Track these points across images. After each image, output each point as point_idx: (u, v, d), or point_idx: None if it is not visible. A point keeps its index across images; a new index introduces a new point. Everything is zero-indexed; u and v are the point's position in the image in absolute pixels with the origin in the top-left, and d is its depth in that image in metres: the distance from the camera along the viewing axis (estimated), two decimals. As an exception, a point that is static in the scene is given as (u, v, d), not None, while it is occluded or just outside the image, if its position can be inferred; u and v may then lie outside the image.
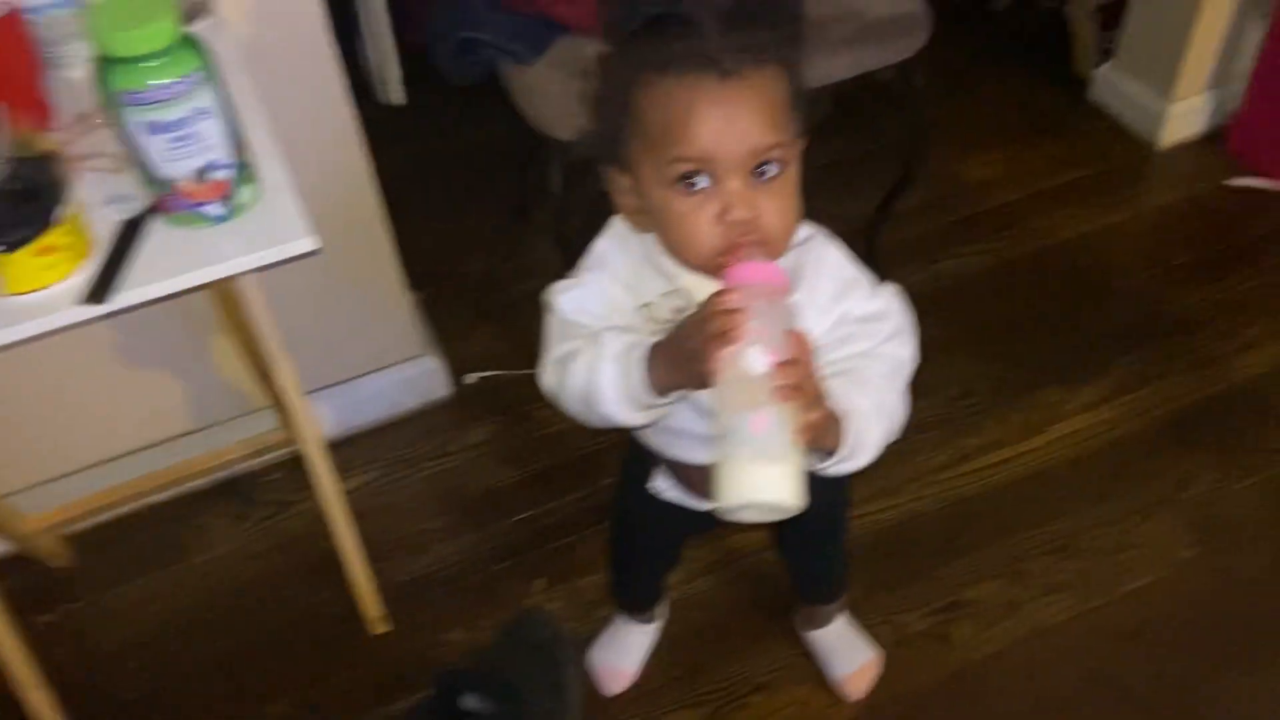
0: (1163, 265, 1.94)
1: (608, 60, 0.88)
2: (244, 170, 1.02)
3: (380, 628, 1.52)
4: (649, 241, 0.90)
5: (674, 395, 0.84)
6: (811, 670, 1.43)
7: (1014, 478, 1.63)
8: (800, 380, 0.76)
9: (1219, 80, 2.11)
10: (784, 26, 0.85)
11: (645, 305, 0.90)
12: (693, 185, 0.82)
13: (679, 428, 0.96)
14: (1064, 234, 2.00)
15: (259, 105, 1.12)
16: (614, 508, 1.31)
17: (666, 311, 0.90)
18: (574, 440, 1.73)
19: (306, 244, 1.01)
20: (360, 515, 1.62)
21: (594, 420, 0.89)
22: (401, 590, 1.56)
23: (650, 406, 0.86)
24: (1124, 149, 2.17)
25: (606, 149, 0.89)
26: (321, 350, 1.67)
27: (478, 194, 2.15)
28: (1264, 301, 1.85)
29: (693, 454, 1.01)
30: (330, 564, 1.48)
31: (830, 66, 1.44)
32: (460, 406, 1.80)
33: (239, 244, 1.01)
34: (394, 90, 1.63)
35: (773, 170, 0.82)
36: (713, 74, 0.80)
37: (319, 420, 1.70)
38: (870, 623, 1.47)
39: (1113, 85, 2.21)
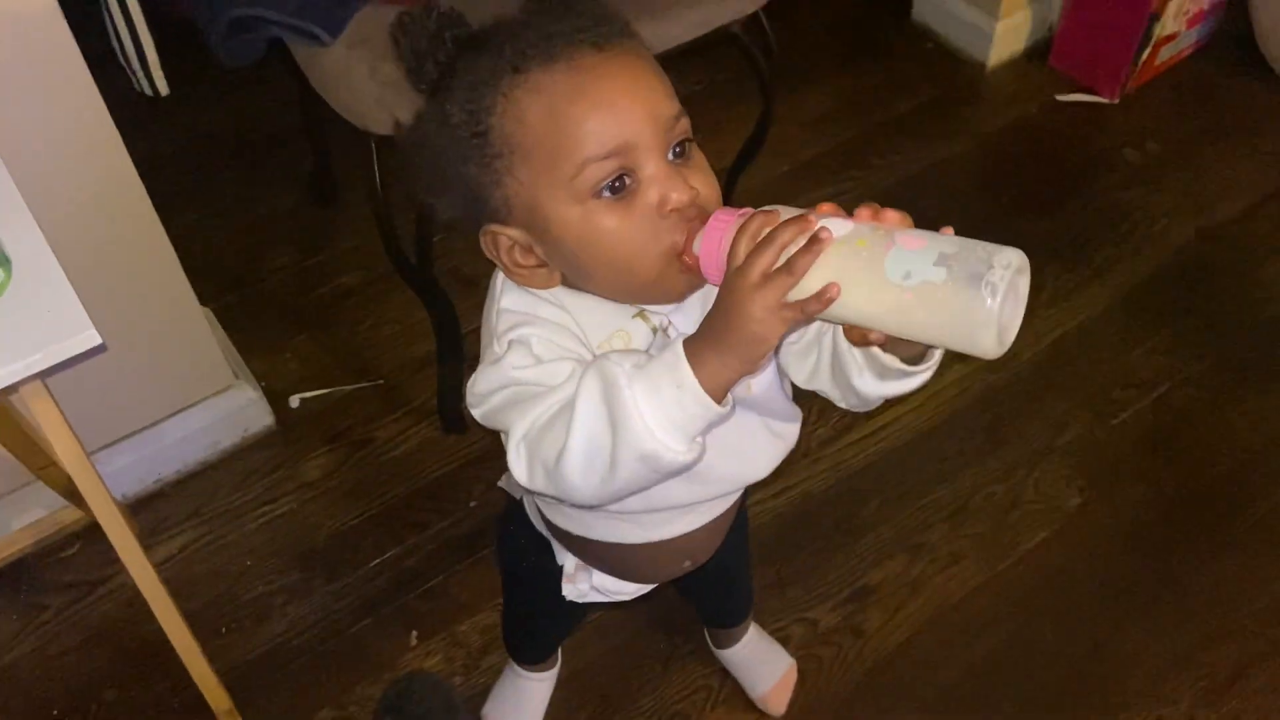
0: (1005, 195, 1.90)
1: (433, 107, 0.69)
2: (-21, 251, 0.76)
3: (232, 721, 1.30)
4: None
5: (730, 400, 0.65)
6: (729, 688, 1.33)
7: (898, 444, 1.57)
8: (874, 207, 0.63)
9: (1038, -6, 2.08)
10: (600, 4, 0.70)
11: (607, 341, 0.72)
12: (617, 188, 0.66)
13: (635, 507, 0.78)
14: (905, 170, 1.93)
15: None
16: (505, 593, 1.14)
17: (643, 337, 0.73)
18: (428, 460, 1.54)
19: (85, 340, 0.77)
20: (185, 585, 1.41)
21: (618, 481, 0.66)
22: (250, 670, 1.35)
23: (708, 424, 0.64)
24: (952, 70, 2.11)
25: (472, 209, 0.71)
26: (111, 395, 1.40)
27: (270, 179, 1.87)
28: (1104, 225, 1.84)
29: (656, 530, 0.85)
30: (159, 648, 1.24)
31: (675, 26, 1.27)
32: (287, 438, 1.56)
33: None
34: (156, 76, 1.34)
35: (688, 144, 0.69)
36: (586, 49, 0.65)
37: (118, 479, 1.45)
38: (781, 623, 1.38)
39: (936, 4, 2.13)
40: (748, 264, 0.61)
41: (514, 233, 0.70)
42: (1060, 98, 2.05)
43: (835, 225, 0.62)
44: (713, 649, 1.33)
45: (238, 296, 1.69)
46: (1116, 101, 2.04)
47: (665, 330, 0.74)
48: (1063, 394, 1.63)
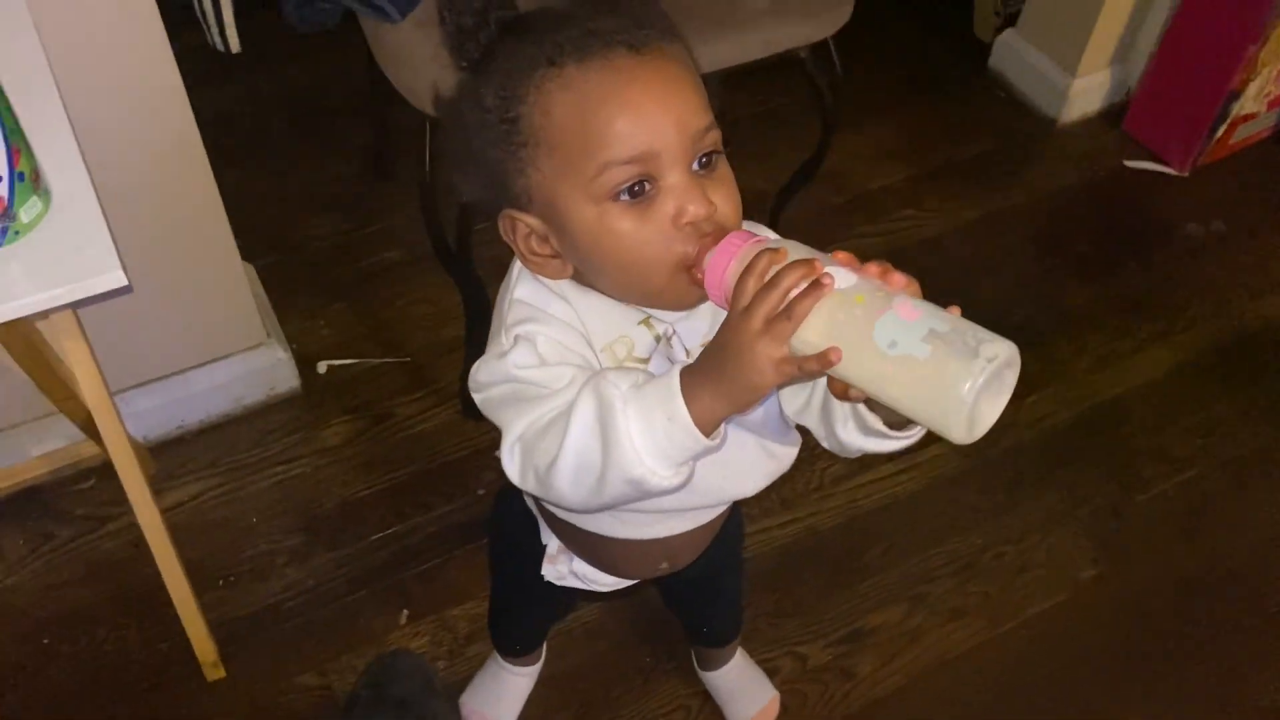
0: (1060, 254, 1.87)
1: (470, 87, 0.70)
2: (23, 180, 0.78)
3: (216, 673, 1.31)
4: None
5: (721, 432, 0.66)
6: (708, 711, 1.32)
7: (914, 489, 1.54)
8: (884, 266, 0.63)
9: (1120, 56, 2.04)
10: (650, 5, 0.71)
11: (610, 345, 0.73)
12: (636, 193, 0.66)
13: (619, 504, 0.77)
14: (961, 217, 1.90)
15: (47, 79, 0.87)
16: (493, 573, 1.14)
17: (646, 344, 0.73)
18: (443, 442, 1.54)
19: (111, 279, 0.78)
20: (192, 533, 1.42)
21: (604, 497, 0.68)
22: (241, 626, 1.36)
23: (696, 454, 0.65)
24: (1022, 122, 2.08)
25: (493, 188, 0.71)
26: (144, 338, 1.42)
27: (329, 146, 1.89)
28: (1157, 298, 1.81)
29: (639, 530, 0.85)
30: (155, 594, 1.26)
31: (740, 46, 1.26)
32: (310, 402, 1.58)
33: (16, 277, 0.77)
34: (229, 34, 1.37)
35: (715, 157, 0.68)
36: (622, 50, 0.65)
37: (141, 421, 1.47)
38: (771, 654, 1.37)
39: (1014, 53, 2.11)
40: (752, 307, 0.61)
41: (532, 221, 0.71)
42: (1129, 163, 2.01)
43: (840, 275, 0.61)
44: (698, 669, 1.32)
45: (281, 257, 1.71)
46: (1186, 174, 2.00)
47: (669, 339, 0.74)
48: (1091, 462, 1.59)
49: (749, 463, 0.82)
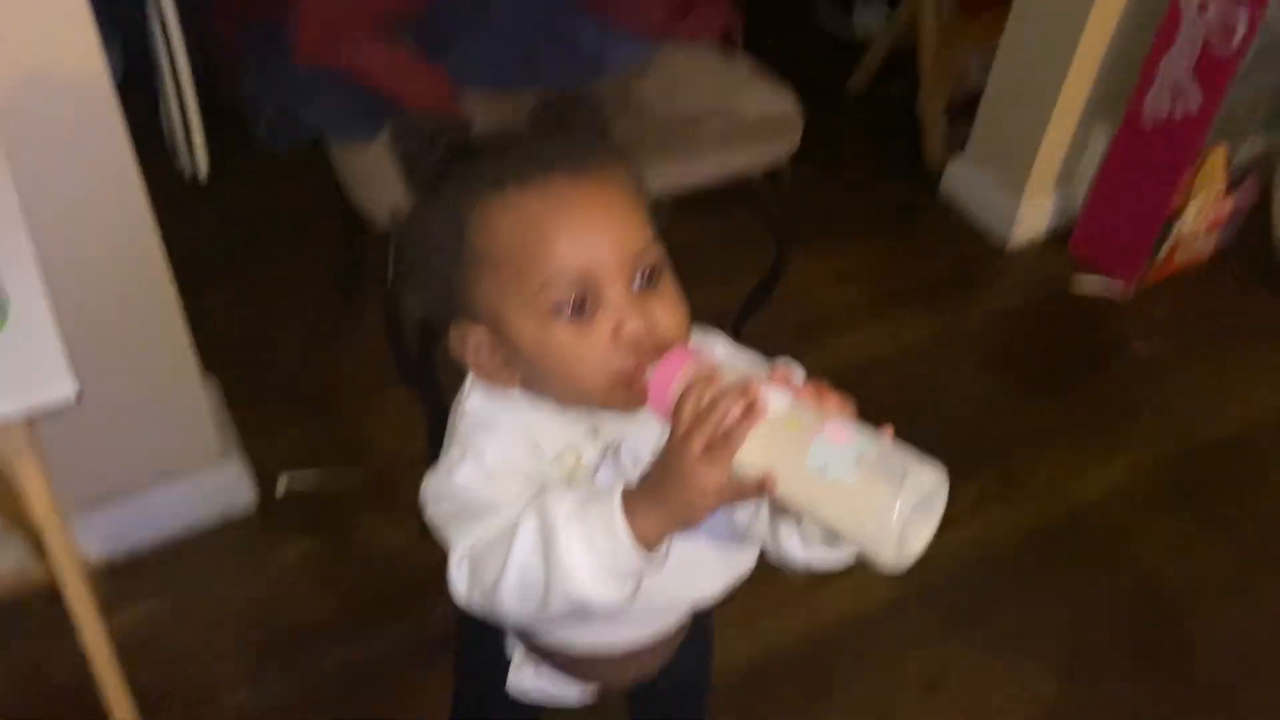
0: (1012, 373, 1.91)
1: (421, 207, 0.73)
2: (-18, 292, 0.79)
3: (160, 805, 1.26)
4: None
5: (663, 550, 0.67)
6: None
7: (881, 601, 1.53)
8: (819, 388, 0.66)
9: (1064, 181, 2.13)
10: (595, 129, 0.75)
11: (559, 456, 0.74)
12: (576, 309, 0.68)
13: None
14: (915, 336, 1.95)
15: (10, 194, 0.89)
16: (456, 688, 1.11)
17: (593, 455, 0.74)
18: (402, 560, 1.52)
19: (61, 390, 0.79)
20: (142, 655, 1.38)
21: (549, 613, 0.69)
22: (188, 753, 1.31)
23: (636, 572, 0.67)
24: (973, 244, 2.15)
25: (443, 303, 0.74)
26: (99, 455, 1.41)
27: (298, 264, 1.92)
28: (1109, 415, 1.84)
29: (599, 638, 0.85)
30: (102, 717, 1.22)
31: (698, 167, 1.32)
32: (267, 519, 1.56)
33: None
34: (199, 157, 1.41)
35: (655, 273, 0.71)
36: (561, 174, 0.68)
37: (91, 541, 1.44)
38: (734, 778, 1.33)
39: (963, 179, 2.20)
40: (691, 432, 0.64)
41: (480, 333, 0.73)
42: (1076, 284, 2.08)
43: (775, 398, 0.64)
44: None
45: (246, 373, 1.71)
46: (1132, 294, 2.07)
47: (616, 450, 0.75)
48: (1054, 575, 1.60)
49: (705, 566, 0.82)
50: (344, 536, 1.55)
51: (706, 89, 1.37)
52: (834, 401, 0.65)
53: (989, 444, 1.76)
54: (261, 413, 1.67)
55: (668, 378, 0.67)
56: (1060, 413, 1.84)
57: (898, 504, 0.59)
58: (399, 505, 1.59)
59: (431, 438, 1.51)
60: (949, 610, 1.54)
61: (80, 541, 1.42)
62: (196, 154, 1.40)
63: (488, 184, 0.69)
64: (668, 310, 0.71)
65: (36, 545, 1.28)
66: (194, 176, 1.44)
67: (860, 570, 1.63)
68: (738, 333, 1.71)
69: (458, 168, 0.71)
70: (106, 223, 1.21)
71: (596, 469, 0.75)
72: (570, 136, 0.72)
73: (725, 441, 0.62)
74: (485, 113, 1.00)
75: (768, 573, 1.56)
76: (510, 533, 0.68)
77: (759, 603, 1.50)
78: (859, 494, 0.60)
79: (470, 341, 0.73)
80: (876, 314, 1.97)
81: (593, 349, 0.69)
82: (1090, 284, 2.08)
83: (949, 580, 1.57)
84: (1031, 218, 2.14)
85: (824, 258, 2.05)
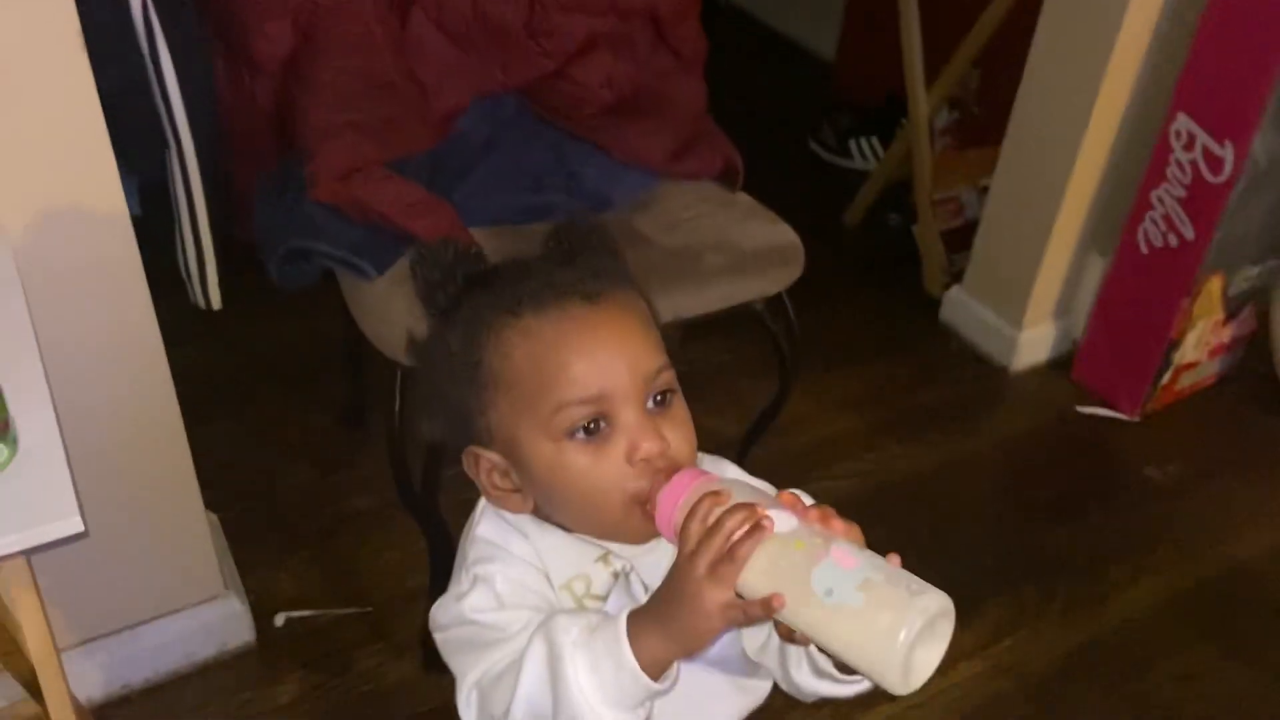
0: (1021, 499, 1.90)
1: (438, 332, 0.76)
2: (-8, 425, 0.79)
3: None
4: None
5: (672, 674, 0.66)
6: None
7: (895, 741, 1.49)
8: (826, 511, 0.66)
9: (1063, 309, 2.16)
10: (607, 257, 0.77)
11: (568, 583, 0.74)
12: (591, 430, 0.69)
13: None
14: (922, 463, 1.94)
15: (27, 335, 0.90)
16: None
17: (604, 582, 0.74)
18: (403, 698, 1.49)
19: (68, 526, 0.78)
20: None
21: None
22: None
23: (644, 699, 0.66)
24: (976, 371, 2.17)
25: (458, 426, 0.75)
26: (96, 591, 1.39)
27: (305, 399, 1.93)
28: (1122, 541, 1.82)
29: None
30: None
31: (703, 298, 1.34)
32: (264, 656, 1.53)
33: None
34: (212, 292, 1.44)
35: (669, 396, 0.73)
36: (577, 300, 0.70)
37: (85, 680, 1.41)
38: None
39: (963, 307, 2.23)
40: (697, 552, 0.64)
41: (494, 457, 0.74)
42: (1081, 409, 2.08)
43: (781, 519, 0.64)
44: None
45: (247, 506, 1.70)
46: (1137, 420, 2.06)
47: (626, 575, 0.75)
48: (1074, 709, 1.55)
49: (716, 696, 0.81)
50: (344, 673, 1.51)
51: (706, 223, 1.41)
52: (840, 526, 0.65)
53: (1002, 574, 1.73)
54: (261, 547, 1.65)
55: (675, 497, 0.67)
56: (1074, 540, 1.81)
57: (903, 630, 0.59)
58: (400, 641, 1.55)
59: (433, 570, 1.49)
60: (968, 748, 1.49)
61: (73, 681, 1.39)
62: (210, 286, 1.43)
63: (504, 309, 0.71)
64: (680, 432, 0.72)
65: (29, 683, 1.25)
66: (207, 308, 1.46)
67: (873, 711, 1.59)
68: (741, 460, 1.70)
69: (475, 294, 0.74)
70: (119, 357, 1.23)
71: (607, 596, 0.75)
72: (583, 263, 0.74)
73: (731, 559, 0.62)
74: (494, 250, 1.01)
75: (776, 715, 1.53)
76: (518, 663, 0.67)
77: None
78: (864, 618, 0.60)
79: (484, 466, 0.74)
80: (881, 442, 1.97)
81: (607, 470, 0.70)
82: (1095, 409, 2.08)
83: (973, 713, 1.52)
84: (1032, 346, 2.16)
85: (827, 386, 2.06)
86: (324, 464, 1.82)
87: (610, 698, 0.65)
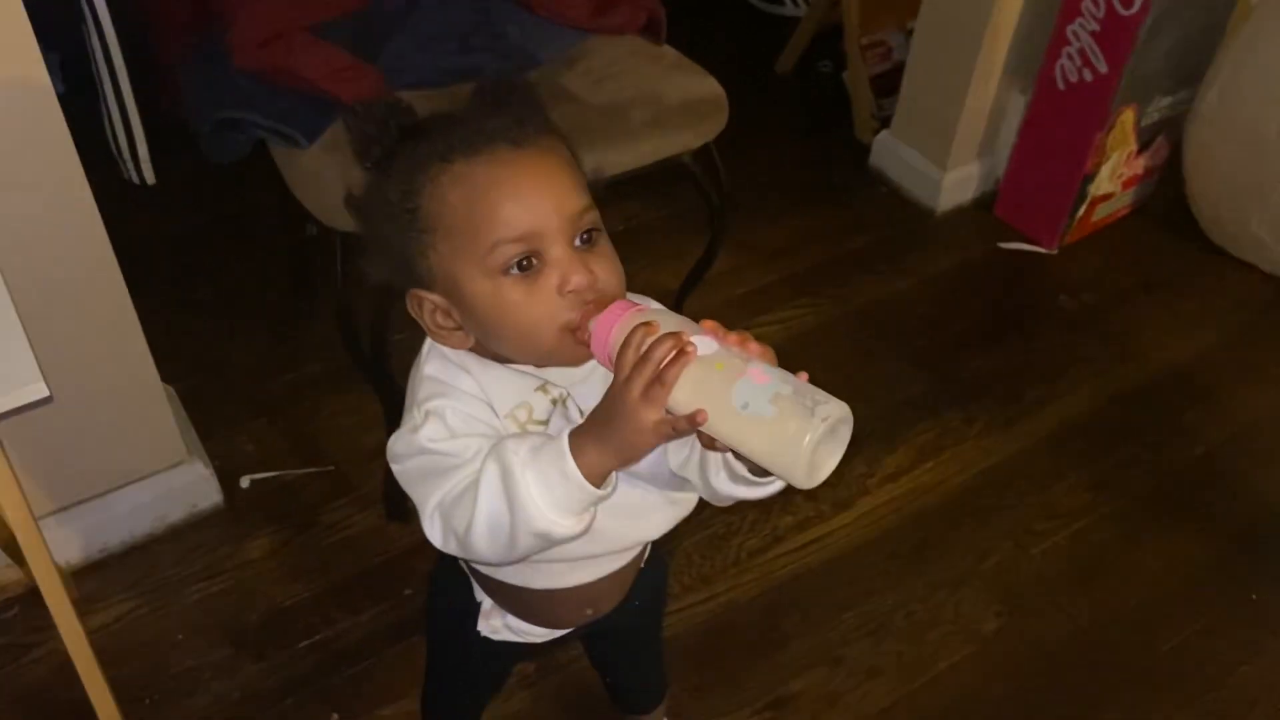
0: (945, 332, 2.00)
1: (375, 184, 0.80)
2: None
3: (146, 793, 1.31)
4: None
5: (612, 480, 0.75)
6: (638, 789, 1.35)
7: (827, 557, 1.62)
8: (744, 336, 0.73)
9: (986, 149, 2.22)
10: (532, 108, 0.81)
11: (512, 412, 0.81)
12: (524, 266, 0.75)
13: (537, 557, 0.84)
14: (853, 302, 2.03)
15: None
16: (430, 645, 1.18)
17: (544, 409, 0.82)
18: (369, 547, 1.58)
19: (33, 391, 0.84)
20: (117, 653, 1.43)
21: (519, 550, 0.77)
22: (169, 741, 1.36)
23: (589, 503, 0.75)
24: (903, 214, 2.24)
25: (401, 271, 0.81)
26: (63, 462, 1.45)
27: (248, 270, 1.96)
28: (1038, 367, 1.94)
29: (557, 579, 0.92)
30: (85, 715, 1.26)
31: (631, 153, 1.38)
32: (234, 516, 1.61)
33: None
34: (144, 167, 1.45)
35: (593, 235, 0.78)
36: (504, 145, 0.76)
37: (63, 545, 1.48)
38: (695, 729, 1.41)
39: (891, 152, 2.28)
40: (631, 377, 0.71)
41: (435, 298, 0.79)
42: (1002, 245, 2.17)
43: (704, 344, 0.71)
44: (626, 746, 1.36)
45: (202, 378, 1.75)
46: (1055, 252, 2.16)
47: (564, 402, 0.82)
48: (988, 521, 1.69)
49: (650, 509, 0.90)
50: (311, 526, 1.60)
51: (632, 79, 1.43)
52: (756, 348, 0.72)
53: (925, 402, 1.85)
54: (221, 415, 1.71)
55: (608, 326, 0.74)
56: (994, 368, 1.93)
57: (807, 435, 0.67)
58: (363, 495, 1.64)
59: (390, 428, 1.56)
60: (895, 558, 1.62)
61: (52, 548, 1.46)
62: (142, 162, 1.44)
63: (437, 157, 0.76)
64: (607, 267, 0.78)
65: (8, 549, 1.32)
66: (141, 183, 1.48)
67: (806, 532, 1.71)
68: (681, 306, 1.78)
69: (408, 145, 0.78)
70: (58, 232, 1.25)
71: (548, 421, 0.82)
72: (509, 113, 0.79)
73: (660, 383, 0.70)
74: (423, 111, 1.03)
75: (719, 540, 1.65)
76: (475, 483, 0.75)
77: (710, 569, 1.58)
78: (775, 426, 0.68)
79: (427, 307, 0.80)
80: (812, 288, 2.05)
81: (541, 303, 0.76)
82: (1016, 244, 2.17)
83: (889, 533, 1.65)
84: (956, 187, 2.23)
85: (759, 237, 2.13)
86: (276, 332, 1.86)
87: (559, 504, 0.73)
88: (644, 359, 0.70)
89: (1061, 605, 1.58)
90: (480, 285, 0.76)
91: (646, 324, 0.73)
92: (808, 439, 0.67)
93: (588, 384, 0.83)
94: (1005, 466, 1.77)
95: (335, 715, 1.40)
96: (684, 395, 0.70)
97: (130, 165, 1.44)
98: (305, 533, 1.60)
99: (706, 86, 1.47)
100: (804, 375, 0.72)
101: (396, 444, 0.82)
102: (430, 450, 0.79)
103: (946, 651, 1.52)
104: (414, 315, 0.82)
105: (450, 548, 0.79)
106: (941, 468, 1.76)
